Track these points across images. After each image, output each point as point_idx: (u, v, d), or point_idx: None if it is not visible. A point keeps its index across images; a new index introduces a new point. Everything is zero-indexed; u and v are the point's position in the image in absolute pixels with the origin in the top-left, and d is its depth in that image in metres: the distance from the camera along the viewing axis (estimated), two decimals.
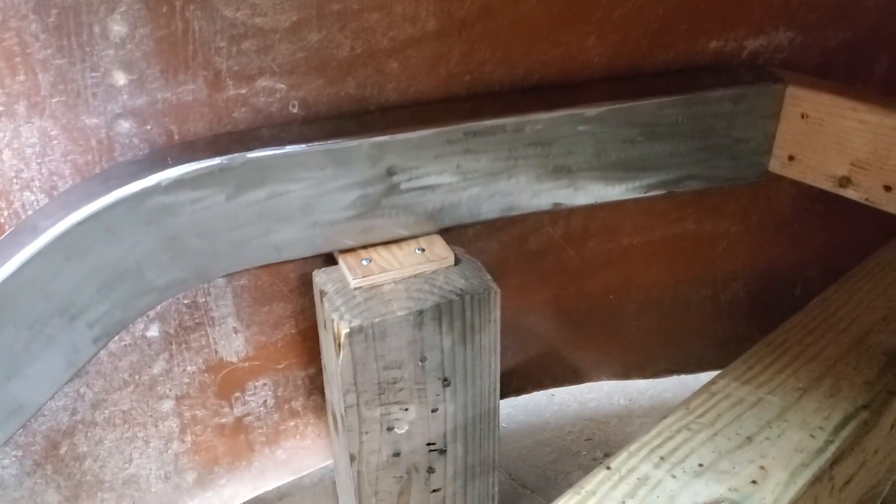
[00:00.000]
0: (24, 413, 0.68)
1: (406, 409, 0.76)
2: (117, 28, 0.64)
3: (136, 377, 0.79)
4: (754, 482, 0.53)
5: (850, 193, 0.84)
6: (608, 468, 0.53)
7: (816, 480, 0.54)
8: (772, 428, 0.57)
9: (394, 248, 0.78)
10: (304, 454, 0.91)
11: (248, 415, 0.86)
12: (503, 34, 0.78)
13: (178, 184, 0.66)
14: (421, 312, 0.72)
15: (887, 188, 0.80)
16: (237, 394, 0.85)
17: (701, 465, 0.54)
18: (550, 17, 0.79)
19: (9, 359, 0.64)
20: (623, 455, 0.54)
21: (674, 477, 0.53)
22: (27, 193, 0.68)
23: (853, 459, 0.59)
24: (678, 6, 0.83)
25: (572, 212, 0.92)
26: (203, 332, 0.80)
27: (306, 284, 0.82)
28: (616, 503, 0.52)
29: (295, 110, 0.75)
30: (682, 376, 1.10)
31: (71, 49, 0.64)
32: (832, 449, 0.55)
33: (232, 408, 0.85)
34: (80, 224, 0.64)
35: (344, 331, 0.69)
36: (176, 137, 0.71)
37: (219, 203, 0.69)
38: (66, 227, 0.63)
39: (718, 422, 0.57)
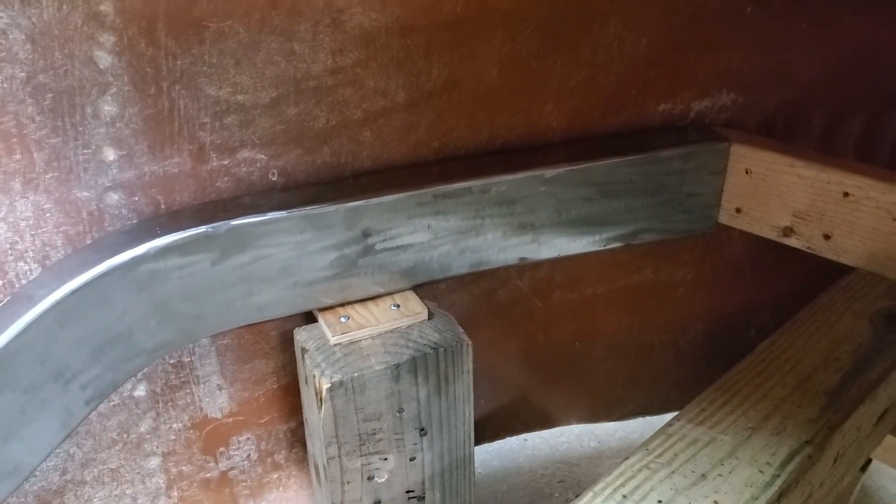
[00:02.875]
0: (20, 474, 0.70)
1: (385, 459, 0.80)
2: (108, 108, 0.69)
3: (125, 436, 0.82)
4: None
5: (793, 242, 0.90)
6: None
7: None
8: (724, 465, 0.62)
9: (370, 304, 0.82)
10: None
11: (232, 469, 0.90)
12: (468, 103, 0.84)
13: (166, 251, 0.71)
14: (398, 366, 0.76)
15: (826, 237, 0.87)
16: (222, 449, 0.88)
17: (660, 501, 0.58)
18: (511, 87, 0.85)
19: (6, 422, 0.67)
20: (588, 495, 0.58)
21: None
22: (21, 264, 0.71)
23: (799, 492, 0.63)
24: (627, 73, 0.90)
25: (538, 265, 0.97)
26: (188, 391, 0.84)
27: (287, 342, 0.86)
28: None
29: (274, 178, 0.79)
30: (649, 417, 1.15)
31: (65, 129, 0.68)
32: (779, 483, 0.60)
33: (217, 462, 0.88)
34: (74, 292, 0.67)
35: (325, 386, 0.73)
36: (163, 207, 0.75)
37: (205, 268, 0.73)
38: (61, 295, 0.67)
39: (675, 461, 0.62)
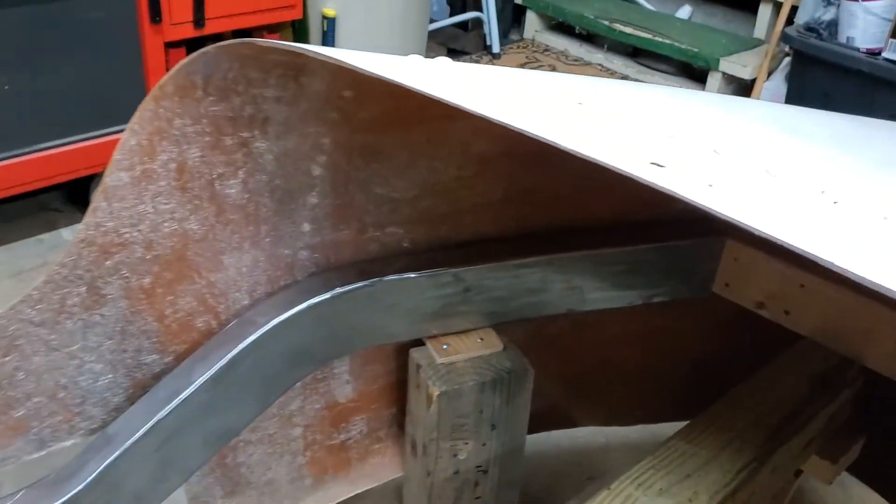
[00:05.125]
0: (228, 436, 1.05)
1: (466, 443, 1.15)
2: (312, 200, 1.03)
3: (281, 412, 1.17)
4: (690, 500, 0.93)
5: (764, 313, 1.24)
6: (608, 489, 0.93)
7: (726, 500, 0.94)
8: (701, 470, 0.97)
9: (462, 337, 1.17)
10: (383, 469, 1.30)
11: (349, 439, 1.25)
12: (543, 200, 1.18)
13: (342, 295, 1.05)
14: (483, 383, 1.11)
15: (787, 312, 1.21)
16: (343, 424, 1.23)
17: (661, 489, 0.94)
18: (574, 191, 1.19)
19: (227, 402, 1.01)
20: (617, 482, 0.94)
21: (646, 496, 0.93)
22: (237, 294, 1.05)
23: (747, 490, 0.98)
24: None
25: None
26: (327, 383, 1.18)
27: (397, 354, 1.20)
28: None
29: (406, 245, 1.14)
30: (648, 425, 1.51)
31: (283, 212, 1.02)
32: (735, 483, 0.95)
33: (339, 434, 1.23)
34: (284, 321, 1.01)
35: (436, 393, 1.08)
36: (332, 261, 1.10)
37: (363, 307, 1.07)
38: (275, 322, 1.01)
39: (671, 465, 0.97)
